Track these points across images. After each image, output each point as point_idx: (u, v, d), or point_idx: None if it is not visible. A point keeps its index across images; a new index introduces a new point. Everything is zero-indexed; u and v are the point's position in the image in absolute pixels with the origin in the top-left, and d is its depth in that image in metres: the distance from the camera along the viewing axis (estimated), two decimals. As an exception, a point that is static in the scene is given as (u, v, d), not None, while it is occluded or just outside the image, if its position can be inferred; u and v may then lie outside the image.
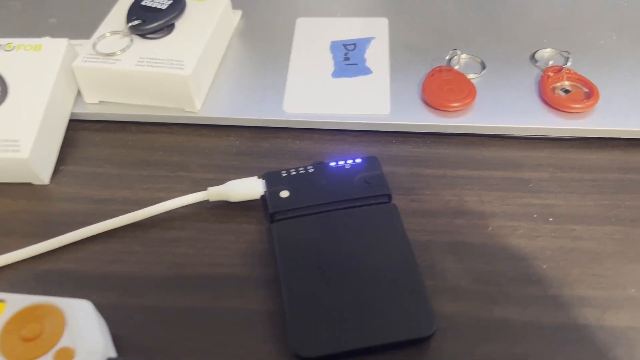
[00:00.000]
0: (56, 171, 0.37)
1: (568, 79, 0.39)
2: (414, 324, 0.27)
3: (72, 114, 0.39)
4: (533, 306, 0.29)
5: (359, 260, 0.30)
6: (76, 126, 0.39)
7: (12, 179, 0.35)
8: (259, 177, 0.34)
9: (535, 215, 0.33)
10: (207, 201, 0.34)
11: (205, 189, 0.34)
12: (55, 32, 0.44)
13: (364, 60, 0.41)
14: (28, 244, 0.32)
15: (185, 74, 0.36)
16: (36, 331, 0.25)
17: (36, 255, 0.32)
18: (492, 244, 0.32)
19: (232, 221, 0.34)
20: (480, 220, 0.33)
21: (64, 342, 0.25)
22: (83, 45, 0.39)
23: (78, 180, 0.36)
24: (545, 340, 0.28)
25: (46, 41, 0.38)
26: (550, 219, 0.33)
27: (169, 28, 0.39)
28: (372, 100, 0.39)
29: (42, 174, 0.35)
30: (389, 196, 0.33)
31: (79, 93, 0.39)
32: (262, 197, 0.34)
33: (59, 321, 0.25)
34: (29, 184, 0.36)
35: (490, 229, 0.33)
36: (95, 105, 0.39)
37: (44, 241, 0.32)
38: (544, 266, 0.31)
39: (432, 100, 0.38)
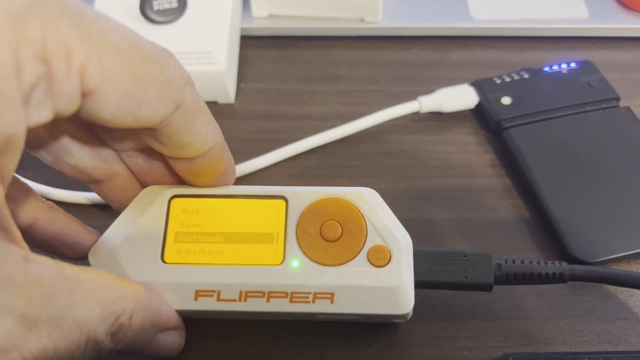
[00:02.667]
0: (238, 89, 0.34)
1: None
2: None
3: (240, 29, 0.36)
4: None
5: (609, 164, 0.28)
6: (245, 43, 0.36)
7: (197, 97, 0.33)
8: (470, 85, 0.32)
9: None
10: (414, 114, 0.32)
11: (409, 101, 0.32)
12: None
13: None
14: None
15: (375, -23, 0.33)
16: (337, 231, 0.23)
17: (251, 173, 0.30)
18: None
19: (447, 132, 0.31)
20: None
21: (372, 241, 0.22)
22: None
23: (265, 98, 0.34)
24: None
25: (215, -52, 0.35)
26: None
27: None
28: (567, 3, 0.36)
29: (230, 90, 0.33)
30: (618, 99, 0.31)
31: (244, 7, 0.37)
32: (477, 106, 0.32)
33: (356, 217, 0.23)
34: (214, 103, 0.33)
35: None
36: (263, 19, 0.36)
37: (254, 159, 0.30)
38: None
39: (631, 2, 0.35)
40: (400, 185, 0.29)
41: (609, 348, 0.24)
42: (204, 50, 0.32)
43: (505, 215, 0.28)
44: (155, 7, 0.33)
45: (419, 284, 0.22)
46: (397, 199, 0.29)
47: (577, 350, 0.23)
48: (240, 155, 0.30)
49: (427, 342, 0.24)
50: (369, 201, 0.23)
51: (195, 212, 0.23)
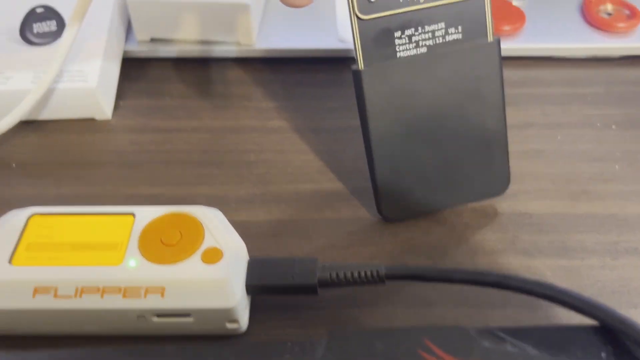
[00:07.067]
0: (116, 106, 0.36)
1: (610, 2, 0.40)
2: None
3: (124, 52, 0.38)
4: (614, 200, 0.30)
5: (450, 113, 0.27)
6: (128, 64, 0.38)
7: (75, 113, 0.35)
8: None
9: (598, 124, 0.34)
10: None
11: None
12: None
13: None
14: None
15: (246, 1, 0.36)
16: (176, 236, 0.24)
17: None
18: (563, 150, 0.33)
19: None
20: (547, 130, 0.34)
21: (208, 244, 0.24)
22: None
23: (140, 113, 0.36)
24: (631, 227, 0.29)
25: (97, -24, 0.37)
26: (613, 127, 0.34)
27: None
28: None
29: (106, 107, 0.35)
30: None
31: (129, 30, 0.39)
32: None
33: (196, 226, 0.25)
34: (92, 120, 0.35)
35: (559, 137, 0.34)
36: (146, 42, 0.39)
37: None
38: (616, 166, 0.32)
39: (483, 26, 0.39)
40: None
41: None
42: (77, 69, 0.34)
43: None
44: (35, 30, 0.35)
45: (251, 288, 0.24)
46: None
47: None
48: (111, 167, 0.32)
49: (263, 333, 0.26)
50: (209, 215, 0.26)
51: (50, 227, 0.25)
